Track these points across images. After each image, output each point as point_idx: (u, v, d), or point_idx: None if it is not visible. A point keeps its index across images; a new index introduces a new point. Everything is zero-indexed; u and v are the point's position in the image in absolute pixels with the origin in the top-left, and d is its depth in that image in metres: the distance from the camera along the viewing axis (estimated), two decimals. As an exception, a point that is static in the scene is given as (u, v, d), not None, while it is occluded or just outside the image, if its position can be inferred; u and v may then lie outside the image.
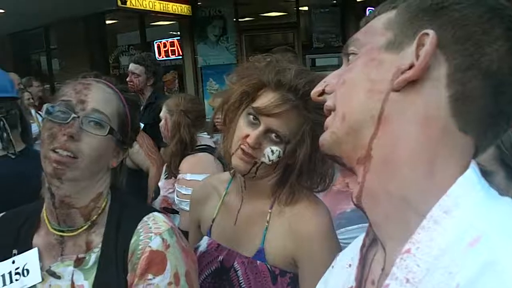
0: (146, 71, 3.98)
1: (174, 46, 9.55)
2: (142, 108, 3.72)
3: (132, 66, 4.01)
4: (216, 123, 3.06)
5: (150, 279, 1.13)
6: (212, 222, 1.52)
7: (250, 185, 1.41)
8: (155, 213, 1.22)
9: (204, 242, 1.52)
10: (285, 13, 8.96)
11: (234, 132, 1.34)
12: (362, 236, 0.79)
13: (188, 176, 2.60)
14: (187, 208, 2.36)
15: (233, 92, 1.37)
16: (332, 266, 0.89)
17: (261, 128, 1.29)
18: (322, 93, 0.77)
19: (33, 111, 4.93)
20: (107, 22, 10.94)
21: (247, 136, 1.29)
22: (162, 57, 9.75)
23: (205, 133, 2.87)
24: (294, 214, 1.35)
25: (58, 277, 1.19)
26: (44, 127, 1.18)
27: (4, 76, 2.23)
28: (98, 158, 1.17)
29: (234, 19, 8.64)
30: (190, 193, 2.43)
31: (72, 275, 1.18)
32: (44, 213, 1.25)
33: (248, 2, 8.79)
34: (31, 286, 1.19)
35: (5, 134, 2.12)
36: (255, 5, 8.78)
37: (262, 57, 1.39)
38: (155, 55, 9.82)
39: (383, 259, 0.68)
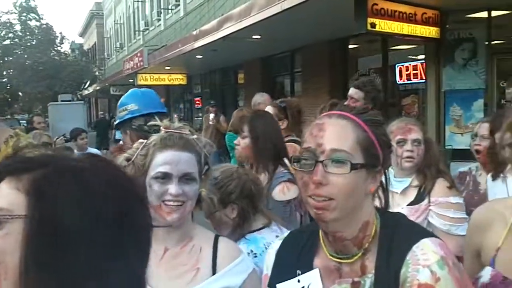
0: (365, 97, 3.85)
1: (416, 70, 9.28)
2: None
3: (352, 91, 3.92)
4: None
5: None
6: (497, 251, 1.39)
7: None
8: (425, 241, 1.18)
9: (487, 273, 1.39)
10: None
11: None
12: None
13: (452, 199, 2.49)
14: (459, 233, 2.31)
15: None
16: None
17: None
18: None
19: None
20: (350, 46, 11.25)
21: None
22: (404, 80, 9.59)
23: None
24: None
25: None
26: (297, 177, 1.26)
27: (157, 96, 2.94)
28: (349, 195, 1.19)
29: (486, 42, 8.02)
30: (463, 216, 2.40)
31: None
32: (321, 239, 1.31)
33: (502, 24, 8.08)
34: None
35: None
36: (510, 27, 8.02)
37: None
38: (395, 78, 9.74)
39: None
